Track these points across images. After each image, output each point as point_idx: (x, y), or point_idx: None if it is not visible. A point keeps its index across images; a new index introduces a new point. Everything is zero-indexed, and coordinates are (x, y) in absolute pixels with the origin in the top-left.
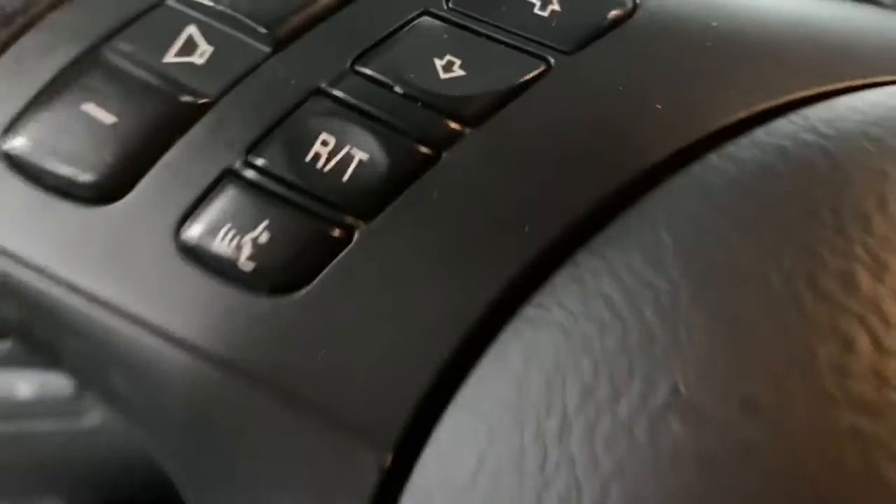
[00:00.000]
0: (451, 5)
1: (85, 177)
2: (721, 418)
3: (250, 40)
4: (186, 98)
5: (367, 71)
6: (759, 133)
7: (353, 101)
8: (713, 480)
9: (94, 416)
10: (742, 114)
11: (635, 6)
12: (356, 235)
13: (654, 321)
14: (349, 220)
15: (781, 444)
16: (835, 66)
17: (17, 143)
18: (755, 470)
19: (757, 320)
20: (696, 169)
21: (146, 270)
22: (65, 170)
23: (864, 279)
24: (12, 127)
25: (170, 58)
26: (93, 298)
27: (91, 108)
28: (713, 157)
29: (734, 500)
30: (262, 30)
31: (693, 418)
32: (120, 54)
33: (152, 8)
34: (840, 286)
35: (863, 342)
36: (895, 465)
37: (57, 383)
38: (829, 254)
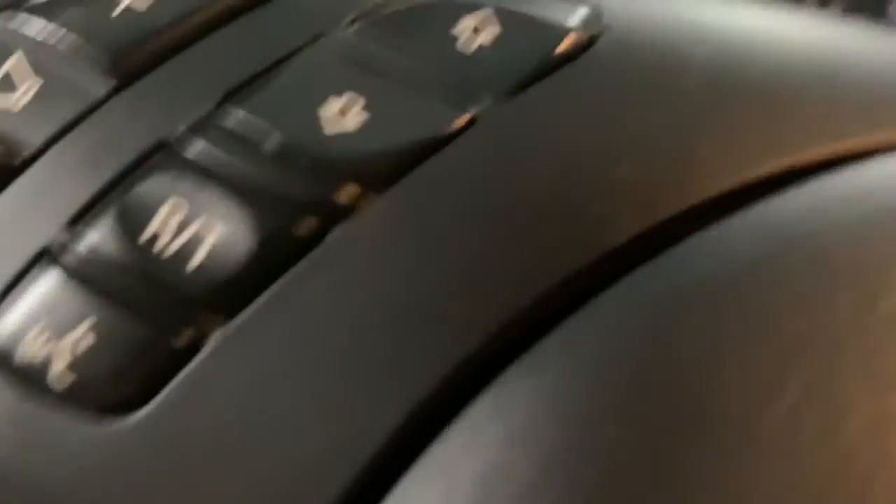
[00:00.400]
0: (353, 31)
1: None
2: None
3: (87, 74)
4: None
5: (235, 116)
6: (763, 208)
7: (211, 158)
8: None
9: None
10: (736, 181)
11: (595, 35)
12: (210, 341)
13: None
14: (200, 320)
15: None
16: (874, 112)
17: None
18: None
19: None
20: (675, 255)
21: None
22: None
23: None
24: None
25: None
26: None
27: None
28: (697, 240)
29: None
30: (104, 60)
31: None
32: None
33: None
34: None
35: None
36: None
37: None
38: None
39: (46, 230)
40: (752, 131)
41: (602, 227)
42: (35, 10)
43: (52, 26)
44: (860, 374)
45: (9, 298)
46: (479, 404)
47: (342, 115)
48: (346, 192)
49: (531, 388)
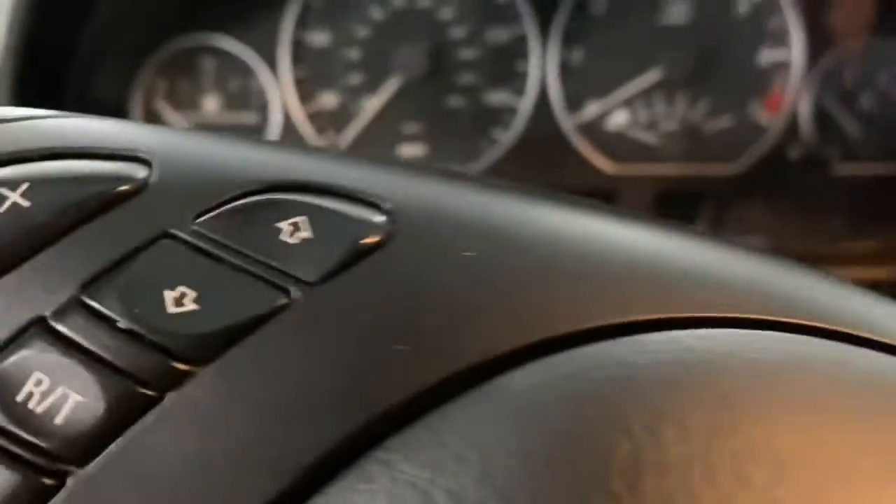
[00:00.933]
0: (195, 227)
1: None
2: None
3: None
4: None
5: (92, 302)
6: (506, 379)
7: (72, 335)
8: None
9: None
10: (481, 359)
11: (390, 232)
12: (69, 482)
13: None
14: (61, 466)
15: None
16: (598, 303)
17: None
18: None
19: None
20: (431, 421)
21: None
22: None
23: None
24: None
25: None
26: None
27: None
28: (447, 409)
29: None
30: None
31: None
32: None
33: None
34: None
35: None
36: None
37: None
38: None
39: None
40: (496, 316)
41: (380, 391)
42: None
43: None
44: None
45: None
46: None
47: (178, 303)
48: (179, 366)
49: None
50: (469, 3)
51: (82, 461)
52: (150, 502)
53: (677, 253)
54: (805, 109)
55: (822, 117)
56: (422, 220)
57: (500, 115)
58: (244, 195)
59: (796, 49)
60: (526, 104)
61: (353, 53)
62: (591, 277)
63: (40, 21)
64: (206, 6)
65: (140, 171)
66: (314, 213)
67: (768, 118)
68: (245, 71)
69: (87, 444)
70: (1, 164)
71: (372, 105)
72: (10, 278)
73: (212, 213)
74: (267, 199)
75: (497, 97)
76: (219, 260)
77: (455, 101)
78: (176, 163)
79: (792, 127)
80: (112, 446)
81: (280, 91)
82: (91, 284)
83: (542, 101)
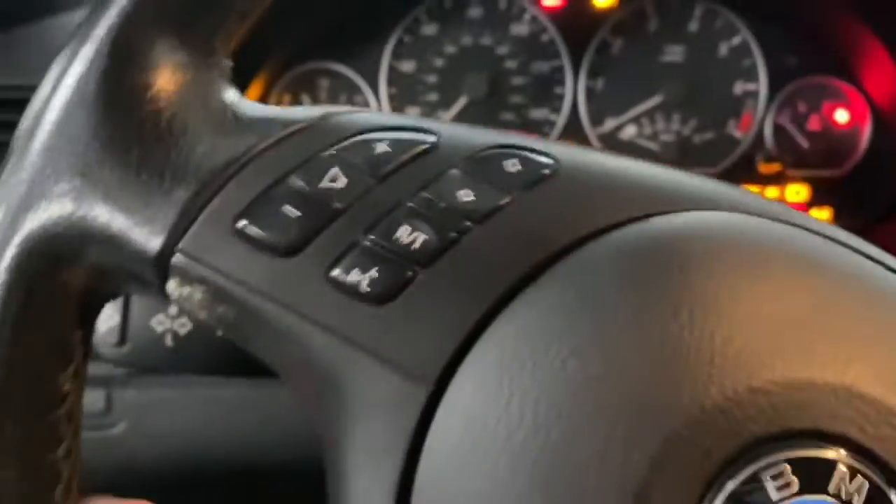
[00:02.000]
0: (464, 165)
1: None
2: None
3: (371, 181)
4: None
5: (425, 194)
6: (613, 235)
7: (419, 209)
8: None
9: (121, 427)
10: (581, 234)
11: (556, 168)
12: (419, 275)
13: (562, 323)
14: (416, 267)
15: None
16: (649, 200)
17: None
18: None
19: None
20: (580, 253)
21: (310, 293)
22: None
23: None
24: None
25: (324, 183)
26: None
27: (289, 210)
28: (590, 248)
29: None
30: (371, 176)
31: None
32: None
33: (309, 157)
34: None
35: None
36: None
37: (90, 400)
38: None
39: (357, 235)
40: (622, 202)
41: (549, 242)
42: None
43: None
44: None
45: (343, 258)
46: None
47: (467, 195)
48: (469, 223)
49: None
50: (520, 42)
51: (426, 265)
52: (458, 286)
53: (675, 175)
54: (768, 127)
55: (780, 134)
56: (574, 164)
57: (541, 128)
58: (487, 148)
59: (762, 83)
60: (561, 119)
61: (432, 78)
62: (638, 189)
63: None
64: (325, 41)
65: (430, 137)
66: (520, 157)
67: (741, 134)
68: (352, 89)
69: (428, 256)
70: (374, 130)
71: (445, 118)
72: (385, 187)
73: (472, 157)
74: (498, 151)
75: (539, 114)
76: (481, 178)
77: (507, 116)
78: (447, 132)
79: (759, 140)
80: (440, 259)
81: (378, 105)
82: (415, 195)
83: (574, 117)
